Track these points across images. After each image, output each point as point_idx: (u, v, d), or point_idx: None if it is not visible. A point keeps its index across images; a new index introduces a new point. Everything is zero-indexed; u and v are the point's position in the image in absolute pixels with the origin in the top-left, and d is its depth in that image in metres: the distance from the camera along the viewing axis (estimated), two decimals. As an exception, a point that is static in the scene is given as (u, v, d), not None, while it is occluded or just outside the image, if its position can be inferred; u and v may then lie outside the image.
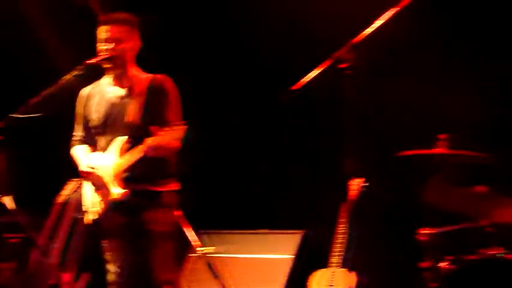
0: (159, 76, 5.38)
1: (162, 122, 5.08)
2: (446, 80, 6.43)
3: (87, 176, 5.31)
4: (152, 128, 5.00)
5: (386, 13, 4.53)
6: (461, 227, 5.41)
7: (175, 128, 4.99)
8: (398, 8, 4.53)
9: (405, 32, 5.87)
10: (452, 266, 5.13)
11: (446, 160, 5.51)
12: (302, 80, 4.61)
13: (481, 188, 5.14)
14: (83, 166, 5.33)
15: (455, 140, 5.44)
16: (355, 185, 5.97)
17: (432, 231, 5.39)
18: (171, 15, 7.40)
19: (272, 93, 5.61)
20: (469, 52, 6.38)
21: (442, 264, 5.17)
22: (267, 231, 7.12)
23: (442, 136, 5.49)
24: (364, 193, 6.01)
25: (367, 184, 6.07)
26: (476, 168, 5.80)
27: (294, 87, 4.63)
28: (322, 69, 4.58)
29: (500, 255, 5.01)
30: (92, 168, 5.26)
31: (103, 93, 5.41)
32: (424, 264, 5.30)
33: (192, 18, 7.54)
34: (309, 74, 4.59)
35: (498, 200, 5.14)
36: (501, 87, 6.30)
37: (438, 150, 5.49)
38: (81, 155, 5.42)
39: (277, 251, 6.90)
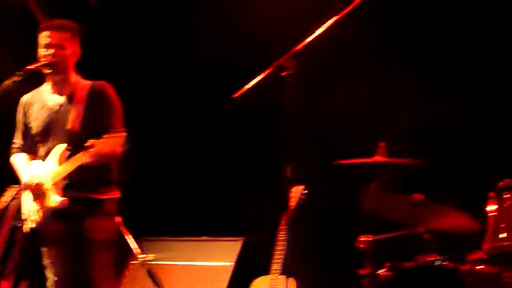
0: (99, 83, 5.36)
1: (103, 129, 5.04)
2: (388, 87, 6.50)
3: (28, 187, 5.25)
4: (94, 136, 4.97)
5: (328, 21, 4.57)
6: (399, 234, 5.48)
7: (117, 134, 4.96)
8: (339, 16, 4.57)
9: (346, 39, 5.92)
10: (390, 273, 5.18)
11: (384, 168, 5.57)
12: (244, 87, 4.62)
13: (417, 196, 5.20)
14: (24, 178, 5.28)
15: (394, 147, 5.51)
16: (296, 192, 6.02)
17: (371, 239, 5.45)
18: (112, 22, 7.37)
19: (213, 100, 5.63)
20: (411, 59, 6.47)
21: (380, 271, 5.22)
22: (207, 238, 7.10)
23: (381, 144, 5.56)
24: (304, 200, 6.05)
25: (307, 191, 6.11)
26: (413, 177, 5.88)
27: (235, 95, 4.64)
28: (263, 76, 4.59)
29: (437, 261, 5.08)
30: (33, 180, 5.20)
31: (43, 100, 5.36)
32: (363, 271, 5.35)
33: (133, 24, 7.52)
34: (251, 82, 4.61)
35: (434, 208, 5.21)
36: (440, 96, 6.40)
37: (376, 158, 5.55)
38: (20, 165, 5.37)
39: (218, 258, 6.89)
